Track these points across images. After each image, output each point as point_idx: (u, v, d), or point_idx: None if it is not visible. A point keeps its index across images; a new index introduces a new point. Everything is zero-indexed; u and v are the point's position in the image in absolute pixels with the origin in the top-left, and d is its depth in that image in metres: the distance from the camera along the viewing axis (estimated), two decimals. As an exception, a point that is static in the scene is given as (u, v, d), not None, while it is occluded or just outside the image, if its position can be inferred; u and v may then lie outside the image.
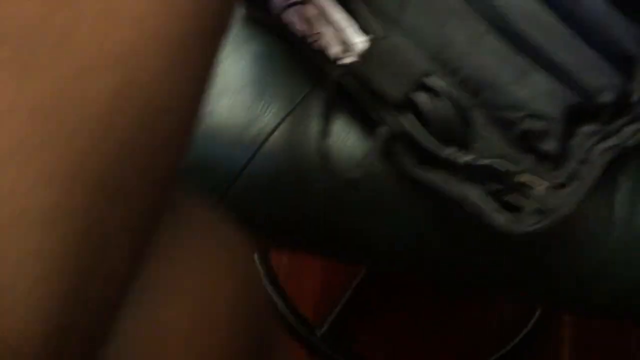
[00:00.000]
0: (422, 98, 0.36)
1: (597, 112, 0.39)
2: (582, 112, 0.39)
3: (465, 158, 0.36)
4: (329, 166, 0.41)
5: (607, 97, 0.39)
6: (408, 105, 0.37)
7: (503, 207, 0.37)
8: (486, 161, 0.36)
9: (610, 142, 0.39)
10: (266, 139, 0.43)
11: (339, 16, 0.38)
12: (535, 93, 0.38)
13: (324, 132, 0.40)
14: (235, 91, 0.44)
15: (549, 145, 0.37)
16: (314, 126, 0.42)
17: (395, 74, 0.37)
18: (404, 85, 0.36)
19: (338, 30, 0.38)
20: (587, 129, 0.39)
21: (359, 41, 0.38)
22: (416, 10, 0.40)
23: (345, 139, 0.42)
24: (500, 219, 0.36)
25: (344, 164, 0.41)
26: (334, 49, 0.39)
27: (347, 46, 0.38)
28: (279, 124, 0.43)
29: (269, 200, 0.44)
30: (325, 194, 0.42)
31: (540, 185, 0.37)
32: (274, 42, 0.44)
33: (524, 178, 0.37)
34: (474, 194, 0.37)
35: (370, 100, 0.39)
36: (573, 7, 0.40)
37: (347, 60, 0.38)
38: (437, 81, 0.37)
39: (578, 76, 0.39)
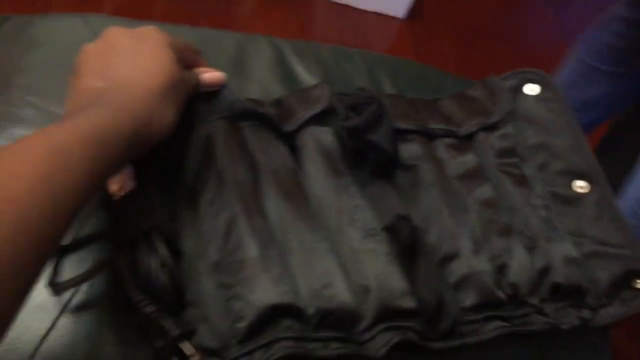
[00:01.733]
0: (140, 246, 0.42)
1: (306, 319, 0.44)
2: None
3: (149, 309, 0.40)
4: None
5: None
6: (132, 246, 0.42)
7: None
8: (155, 314, 0.41)
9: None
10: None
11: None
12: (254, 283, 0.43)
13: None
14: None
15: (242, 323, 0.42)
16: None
17: (132, 219, 0.42)
18: (130, 231, 0.42)
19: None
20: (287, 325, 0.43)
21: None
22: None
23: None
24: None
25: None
26: (114, 186, 0.45)
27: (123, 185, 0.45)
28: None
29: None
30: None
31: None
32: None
33: (186, 347, 0.40)
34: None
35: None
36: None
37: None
38: (160, 244, 0.42)
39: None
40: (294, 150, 0.52)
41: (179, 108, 0.43)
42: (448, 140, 0.58)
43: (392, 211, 0.50)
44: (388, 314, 0.45)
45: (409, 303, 0.45)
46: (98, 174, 0.34)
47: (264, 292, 0.42)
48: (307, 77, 0.65)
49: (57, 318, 0.43)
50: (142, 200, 0.43)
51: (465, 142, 0.59)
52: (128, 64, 0.41)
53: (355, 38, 1.79)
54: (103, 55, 0.42)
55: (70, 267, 0.44)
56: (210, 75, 0.48)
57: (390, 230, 0.48)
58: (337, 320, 0.43)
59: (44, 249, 0.30)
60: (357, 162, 0.52)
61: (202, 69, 0.48)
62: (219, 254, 0.44)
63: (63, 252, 0.44)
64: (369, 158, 0.52)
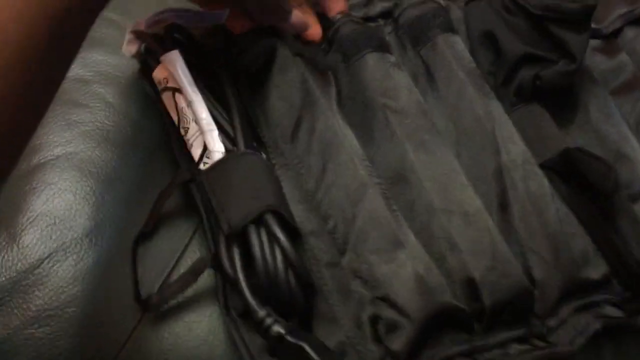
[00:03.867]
0: (254, 240, 0.29)
1: (469, 321, 0.32)
2: (451, 317, 0.31)
3: (278, 329, 0.28)
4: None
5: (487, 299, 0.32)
6: (240, 238, 0.30)
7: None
8: (300, 343, 0.28)
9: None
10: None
11: (205, 114, 0.32)
12: (399, 275, 0.30)
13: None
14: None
15: (396, 344, 0.29)
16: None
17: (237, 201, 0.30)
18: (241, 217, 0.29)
19: (201, 132, 0.32)
20: (450, 337, 0.31)
21: (217, 151, 0.32)
22: (305, 141, 0.34)
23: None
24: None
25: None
26: (197, 150, 0.33)
27: (206, 151, 0.32)
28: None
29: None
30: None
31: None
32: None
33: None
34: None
35: (207, 219, 0.32)
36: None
37: (202, 167, 0.32)
38: (275, 225, 0.30)
39: (462, 260, 0.32)
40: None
41: None
42: (591, 42, 0.45)
43: (552, 141, 0.38)
44: (573, 289, 0.34)
45: (599, 271, 0.35)
46: None
47: (420, 294, 0.30)
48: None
49: (135, 328, 0.32)
50: (247, 172, 0.31)
51: (611, 41, 0.46)
52: None
53: None
54: None
55: (153, 261, 0.32)
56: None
57: (560, 167, 0.37)
58: (511, 312, 0.32)
59: None
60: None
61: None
62: (352, 238, 0.32)
63: (138, 241, 0.32)
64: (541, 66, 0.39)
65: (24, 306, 0.32)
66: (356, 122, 0.37)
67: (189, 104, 0.33)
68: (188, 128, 0.33)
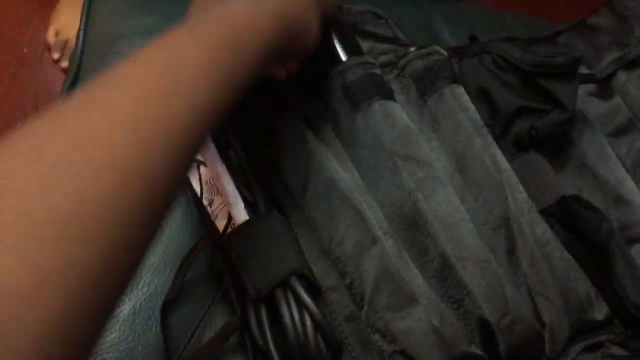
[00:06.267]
0: (282, 305, 0.32)
1: None
2: None
3: None
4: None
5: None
6: (267, 300, 0.32)
7: None
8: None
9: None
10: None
11: (231, 188, 0.35)
12: (415, 330, 0.32)
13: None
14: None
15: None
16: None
17: (262, 265, 0.32)
18: (267, 281, 0.32)
19: (227, 204, 0.35)
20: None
21: (243, 220, 0.34)
22: (315, 199, 0.36)
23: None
24: None
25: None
26: (221, 221, 0.35)
27: (231, 222, 0.35)
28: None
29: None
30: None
31: None
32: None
33: None
34: None
35: (232, 282, 0.34)
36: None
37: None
38: (301, 290, 0.32)
39: (478, 305, 0.34)
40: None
41: (319, 23, 0.34)
42: (585, 87, 0.47)
43: (550, 189, 0.40)
44: (580, 330, 0.36)
45: (602, 312, 0.36)
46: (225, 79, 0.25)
47: (439, 347, 0.32)
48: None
49: None
50: (271, 236, 0.33)
51: (605, 86, 0.48)
52: None
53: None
54: None
55: (179, 324, 0.35)
56: None
57: (558, 214, 0.39)
58: (524, 354, 0.34)
59: None
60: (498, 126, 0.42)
61: None
62: (367, 294, 0.34)
63: (166, 307, 0.35)
64: (534, 117, 0.41)
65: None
66: (364, 167, 0.38)
67: (215, 177, 0.35)
68: (213, 199, 0.36)
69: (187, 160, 0.24)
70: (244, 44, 0.26)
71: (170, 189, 0.22)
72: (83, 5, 0.50)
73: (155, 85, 0.22)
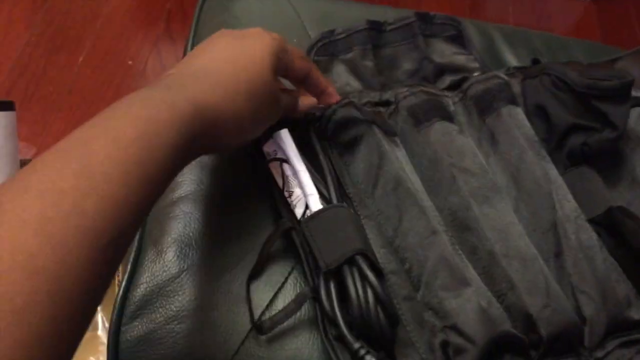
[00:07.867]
0: (348, 279, 0.36)
1: (527, 348, 0.38)
2: (510, 343, 0.37)
3: (370, 358, 0.35)
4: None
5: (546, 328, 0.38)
6: (337, 276, 0.37)
7: None
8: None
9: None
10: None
11: (308, 182, 0.41)
12: (465, 308, 0.37)
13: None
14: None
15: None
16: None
17: (332, 245, 0.37)
18: (336, 258, 0.37)
19: (304, 195, 0.41)
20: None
21: (318, 209, 0.40)
22: (383, 195, 0.42)
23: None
24: None
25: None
26: (299, 210, 0.41)
27: (307, 210, 0.40)
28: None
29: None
30: None
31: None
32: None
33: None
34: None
35: (306, 260, 0.40)
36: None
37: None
38: (365, 266, 0.37)
39: (520, 297, 0.38)
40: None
41: (262, 118, 0.38)
42: (639, 110, 0.50)
43: (600, 200, 0.44)
44: (617, 327, 0.39)
45: (638, 313, 0.40)
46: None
47: (484, 323, 0.36)
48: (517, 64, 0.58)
49: (242, 343, 0.39)
50: (338, 220, 0.39)
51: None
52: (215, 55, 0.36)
53: (532, 19, 1.55)
54: (199, 51, 0.37)
55: (259, 293, 0.41)
56: (308, 102, 0.44)
57: (605, 223, 0.43)
58: (564, 343, 0.38)
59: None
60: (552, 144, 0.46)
61: (303, 96, 0.44)
62: (425, 277, 0.39)
63: (251, 278, 0.41)
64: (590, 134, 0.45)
65: (167, 307, 0.40)
66: (426, 177, 0.43)
67: (295, 173, 0.41)
68: (292, 192, 0.42)
69: (105, 253, 0.24)
70: (157, 142, 0.28)
71: (85, 281, 0.23)
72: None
73: (67, 183, 0.24)
